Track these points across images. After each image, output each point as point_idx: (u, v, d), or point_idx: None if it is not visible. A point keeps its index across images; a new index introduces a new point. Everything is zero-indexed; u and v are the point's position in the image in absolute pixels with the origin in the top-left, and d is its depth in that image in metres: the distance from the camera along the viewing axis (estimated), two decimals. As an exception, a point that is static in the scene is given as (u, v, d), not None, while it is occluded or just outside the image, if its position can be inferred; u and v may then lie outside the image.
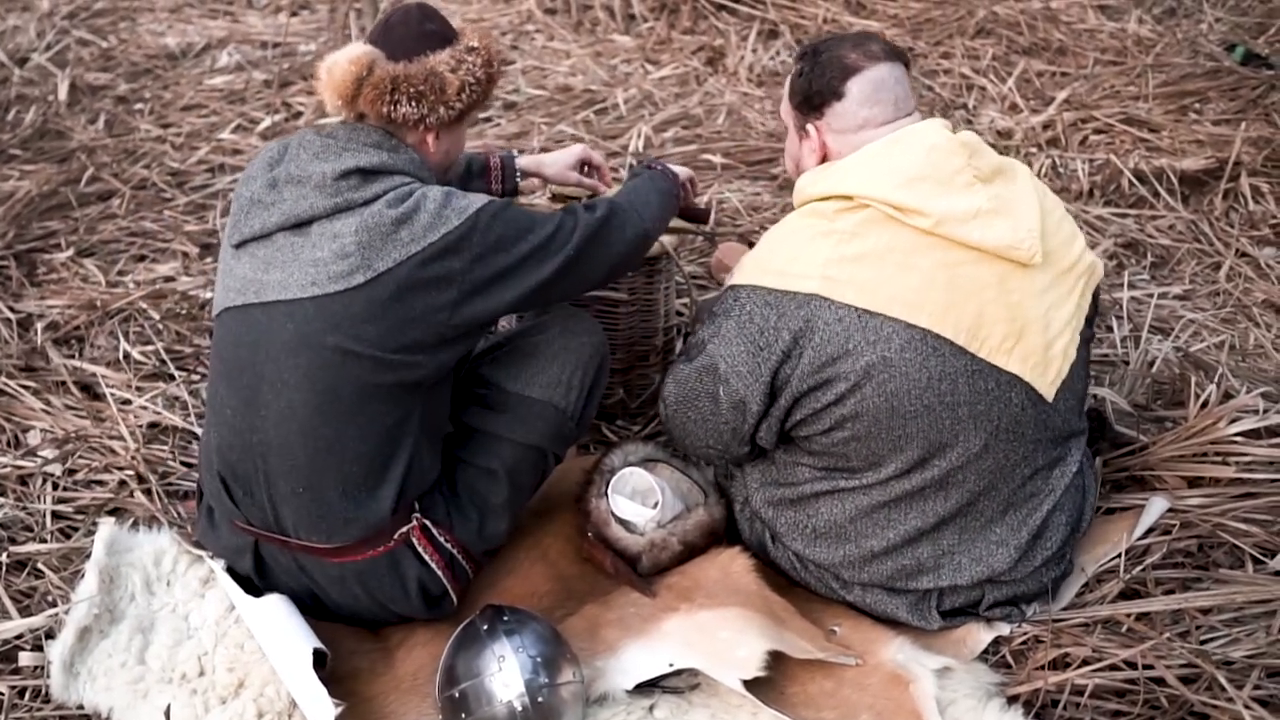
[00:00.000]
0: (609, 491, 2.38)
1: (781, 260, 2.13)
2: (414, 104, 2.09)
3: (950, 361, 2.06)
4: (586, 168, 2.72)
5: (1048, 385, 2.12)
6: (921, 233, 2.05)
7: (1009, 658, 2.22)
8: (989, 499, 2.18)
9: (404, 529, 2.17)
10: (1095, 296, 2.27)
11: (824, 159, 2.21)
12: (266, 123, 4.17)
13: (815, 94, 2.19)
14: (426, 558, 2.19)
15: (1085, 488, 2.32)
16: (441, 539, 2.21)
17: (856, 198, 2.08)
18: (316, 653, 2.06)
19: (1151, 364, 2.90)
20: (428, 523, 2.20)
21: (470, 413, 2.30)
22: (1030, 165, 3.56)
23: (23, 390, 2.85)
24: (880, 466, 2.14)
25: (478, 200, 2.09)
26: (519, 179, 2.67)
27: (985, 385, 2.08)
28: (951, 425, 2.09)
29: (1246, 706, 2.03)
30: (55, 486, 2.59)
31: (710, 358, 2.17)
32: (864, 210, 2.08)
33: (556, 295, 2.25)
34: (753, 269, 2.17)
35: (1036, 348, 2.09)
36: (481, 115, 4.22)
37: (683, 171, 2.58)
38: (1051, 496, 2.22)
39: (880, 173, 2.08)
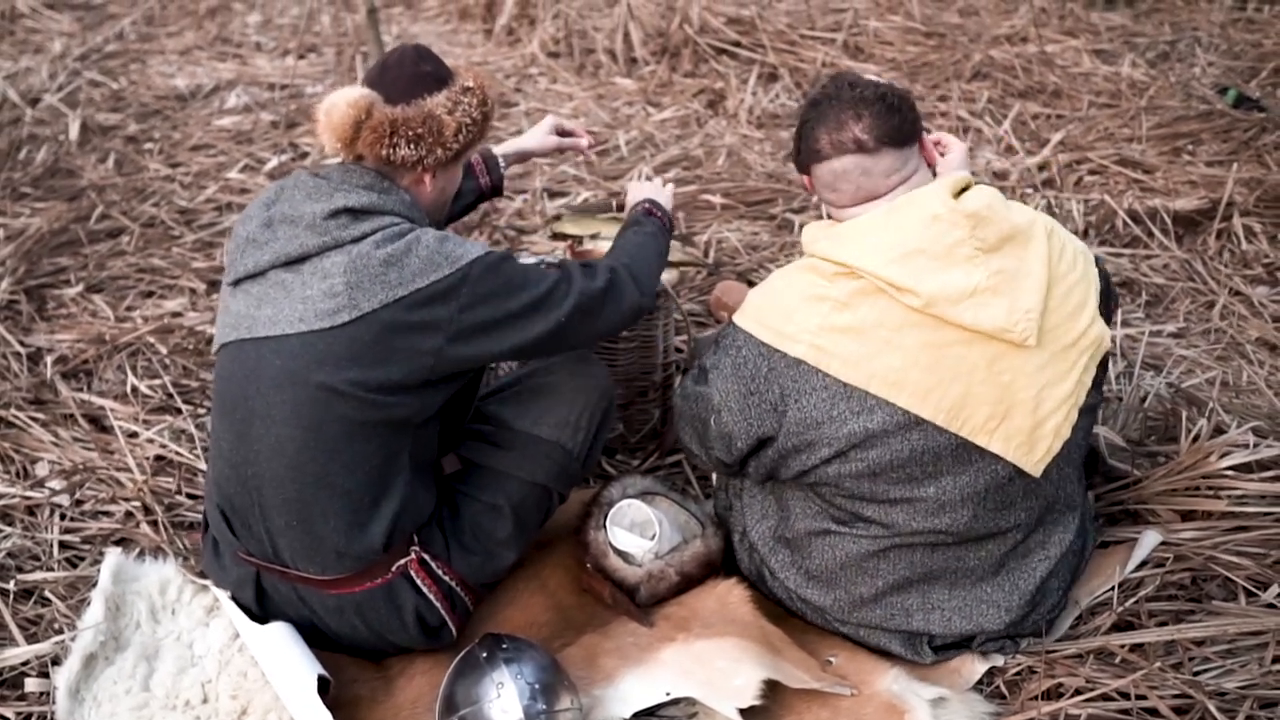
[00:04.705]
0: (607, 523, 2.40)
1: (778, 317, 2.13)
2: (412, 146, 2.12)
3: (933, 436, 2.06)
4: (563, 136, 2.75)
5: (1034, 464, 2.10)
6: (912, 310, 2.04)
7: (1003, 688, 2.23)
8: (978, 557, 2.19)
9: (401, 561, 2.19)
10: (1104, 364, 2.22)
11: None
12: (273, 163, 4.24)
13: (796, 160, 2.24)
14: (424, 589, 2.21)
15: (1084, 550, 2.34)
16: (439, 571, 2.23)
17: (852, 268, 2.07)
18: (320, 679, 2.09)
19: (1144, 400, 2.92)
20: (426, 556, 2.22)
21: (477, 449, 2.32)
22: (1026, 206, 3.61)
23: (32, 422, 2.89)
24: (867, 520, 2.17)
25: (473, 250, 2.10)
26: (503, 167, 2.69)
27: (969, 457, 2.08)
28: (936, 495, 2.10)
29: (1238, 737, 2.05)
30: (63, 517, 2.63)
31: (708, 387, 2.21)
32: (859, 280, 2.07)
33: (541, 354, 2.27)
34: (752, 314, 2.18)
35: (1022, 429, 2.07)
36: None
37: (670, 198, 2.59)
38: (1047, 562, 2.22)
39: (876, 245, 2.06)
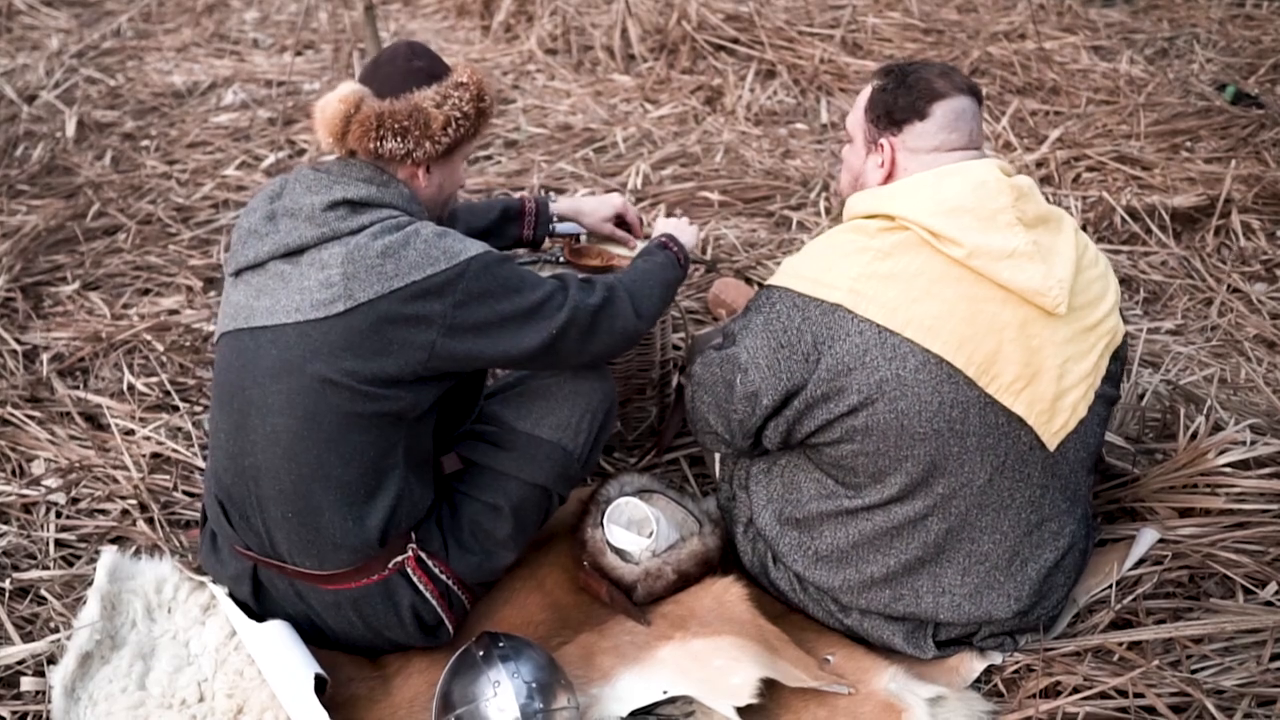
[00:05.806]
0: (605, 521, 2.40)
1: (816, 269, 2.17)
2: (399, 139, 2.13)
3: (963, 390, 2.09)
4: (620, 220, 2.77)
5: (1051, 435, 2.14)
6: (953, 262, 2.09)
7: (1000, 686, 2.24)
8: (994, 541, 2.19)
9: (398, 558, 2.19)
10: (1121, 360, 2.28)
11: (890, 176, 2.25)
12: (270, 159, 4.23)
13: (898, 110, 2.22)
14: (421, 587, 2.21)
15: (1088, 548, 2.34)
16: (436, 570, 2.23)
17: (898, 219, 2.13)
18: (317, 678, 2.09)
19: (1142, 397, 2.92)
20: (423, 554, 2.22)
21: (478, 449, 2.32)
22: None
23: (28, 420, 2.89)
24: (883, 484, 2.17)
25: (472, 247, 2.11)
26: (554, 224, 2.72)
27: (995, 419, 2.11)
28: (959, 453, 2.12)
29: (1236, 734, 2.05)
30: (59, 515, 2.62)
31: (735, 347, 2.23)
32: (903, 232, 2.12)
33: (535, 367, 2.27)
34: (789, 272, 2.22)
35: (1046, 395, 2.12)
36: (483, 153, 4.28)
37: (693, 239, 2.59)
38: (1055, 553, 2.23)
39: (925, 199, 2.12)
